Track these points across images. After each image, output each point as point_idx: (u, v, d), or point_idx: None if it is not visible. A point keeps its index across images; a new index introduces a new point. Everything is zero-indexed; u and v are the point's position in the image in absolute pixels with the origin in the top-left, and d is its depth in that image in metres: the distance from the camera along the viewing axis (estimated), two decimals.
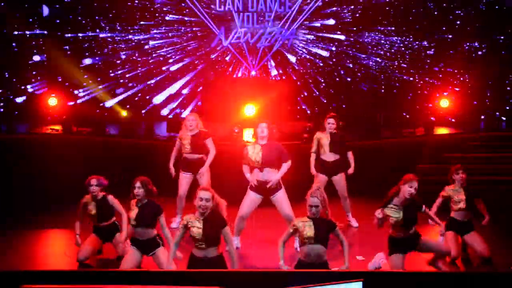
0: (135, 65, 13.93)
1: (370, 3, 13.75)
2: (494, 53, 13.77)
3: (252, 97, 12.96)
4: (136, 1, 13.71)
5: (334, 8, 13.83)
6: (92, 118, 12.92)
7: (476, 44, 13.88)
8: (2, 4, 13.32)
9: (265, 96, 12.90)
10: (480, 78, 13.71)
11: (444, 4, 13.76)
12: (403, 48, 13.96)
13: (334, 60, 14.02)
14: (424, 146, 11.28)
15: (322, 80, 14.07)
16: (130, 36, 13.85)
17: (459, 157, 10.52)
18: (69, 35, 13.71)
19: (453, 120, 13.21)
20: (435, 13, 13.78)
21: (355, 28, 13.90)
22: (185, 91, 13.98)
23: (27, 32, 13.60)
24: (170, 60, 13.97)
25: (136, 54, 13.91)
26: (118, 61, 13.90)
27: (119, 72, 13.91)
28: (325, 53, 13.96)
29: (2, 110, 13.57)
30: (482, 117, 13.72)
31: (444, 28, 13.83)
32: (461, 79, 13.83)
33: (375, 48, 13.96)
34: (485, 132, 12.24)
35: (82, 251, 7.09)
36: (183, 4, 13.76)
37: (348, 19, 13.86)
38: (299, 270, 5.53)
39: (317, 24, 13.91)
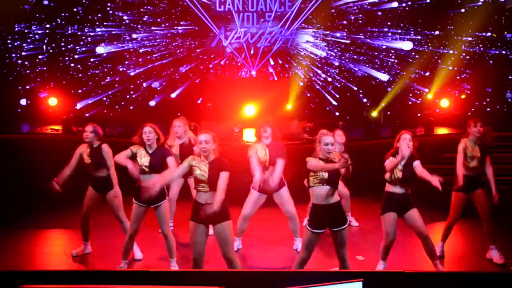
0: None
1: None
2: (494, 54, 13.81)
3: (252, 97, 12.96)
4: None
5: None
6: (92, 118, 12.93)
7: (475, 44, 13.94)
8: None
9: (265, 96, 12.90)
10: (480, 78, 13.75)
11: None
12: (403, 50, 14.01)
13: (336, 60, 14.06)
14: (424, 146, 11.26)
15: (323, 80, 14.10)
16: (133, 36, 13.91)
17: None
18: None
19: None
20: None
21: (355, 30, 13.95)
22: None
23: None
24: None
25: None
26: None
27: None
28: (324, 54, 13.99)
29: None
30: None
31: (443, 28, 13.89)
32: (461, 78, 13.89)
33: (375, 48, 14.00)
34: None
35: (84, 207, 7.26)
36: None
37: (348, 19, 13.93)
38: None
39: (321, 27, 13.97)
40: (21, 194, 9.80)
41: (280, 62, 14.12)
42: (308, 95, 14.07)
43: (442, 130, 12.50)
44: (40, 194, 9.72)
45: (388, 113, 13.65)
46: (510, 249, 7.62)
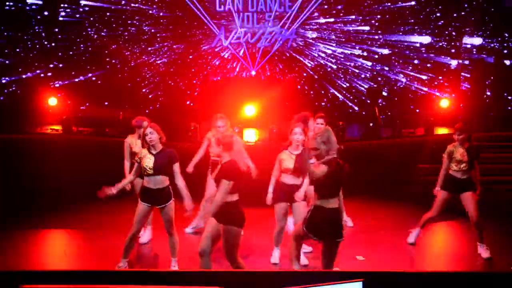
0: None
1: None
2: (494, 54, 13.83)
3: (252, 97, 12.96)
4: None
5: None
6: (93, 118, 12.92)
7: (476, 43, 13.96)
8: None
9: (265, 96, 12.91)
10: (480, 79, 13.75)
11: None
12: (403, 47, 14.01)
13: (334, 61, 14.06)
14: (424, 146, 11.25)
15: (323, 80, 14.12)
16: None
17: None
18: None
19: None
20: (438, 14, 13.84)
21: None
22: None
23: None
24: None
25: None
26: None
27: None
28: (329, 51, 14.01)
29: None
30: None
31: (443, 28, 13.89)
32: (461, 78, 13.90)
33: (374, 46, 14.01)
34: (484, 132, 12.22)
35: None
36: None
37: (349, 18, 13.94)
38: None
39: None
40: (20, 194, 9.79)
41: (280, 62, 14.12)
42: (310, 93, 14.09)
43: (442, 130, 12.49)
44: (40, 194, 9.75)
45: (389, 113, 13.64)
46: (510, 249, 7.62)
